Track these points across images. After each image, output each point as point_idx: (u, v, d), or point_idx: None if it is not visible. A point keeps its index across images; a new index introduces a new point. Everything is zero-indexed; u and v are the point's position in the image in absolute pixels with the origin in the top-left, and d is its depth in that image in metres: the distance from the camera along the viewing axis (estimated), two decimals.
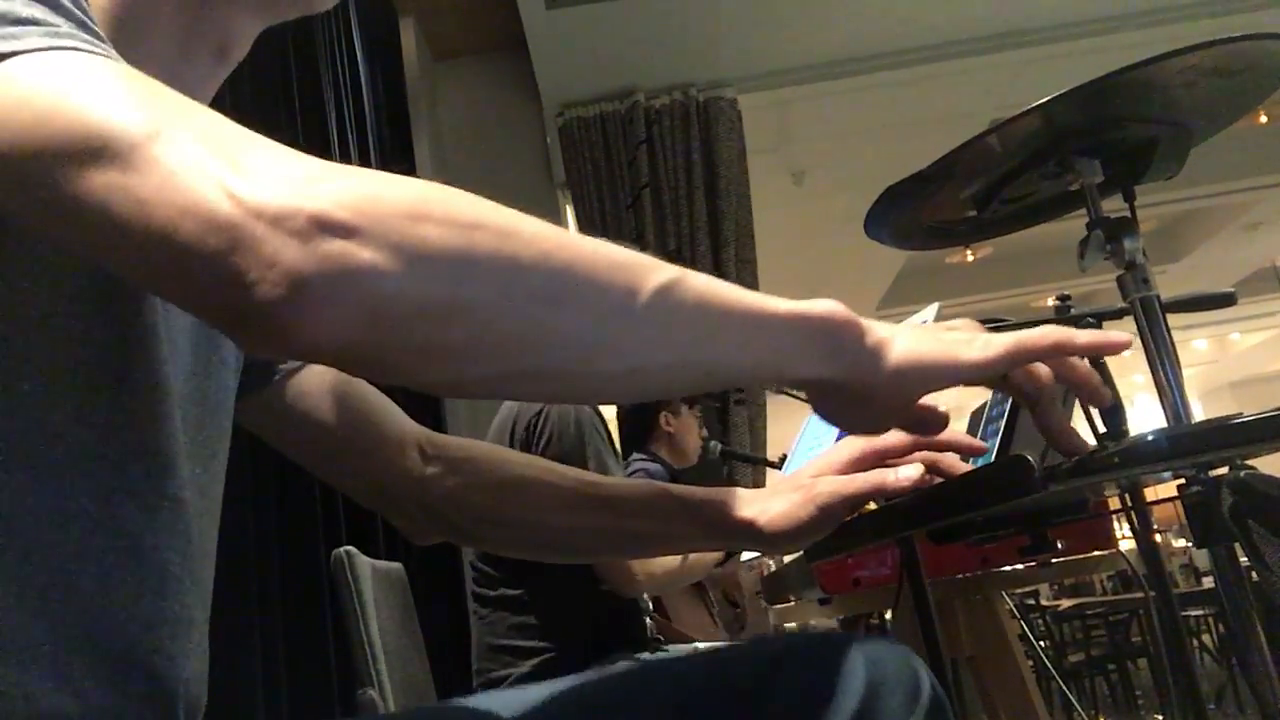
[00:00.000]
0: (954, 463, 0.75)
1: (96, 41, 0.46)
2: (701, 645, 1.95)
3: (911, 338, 0.57)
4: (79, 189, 0.41)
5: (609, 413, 2.23)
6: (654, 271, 0.48)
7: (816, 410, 0.59)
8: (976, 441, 0.75)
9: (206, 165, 0.40)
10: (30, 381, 0.51)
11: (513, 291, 0.43)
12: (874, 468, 0.76)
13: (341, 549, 1.39)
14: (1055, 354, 0.60)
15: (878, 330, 0.56)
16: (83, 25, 0.47)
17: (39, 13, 0.45)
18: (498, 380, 0.46)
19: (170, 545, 0.57)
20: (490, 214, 0.44)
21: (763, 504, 0.76)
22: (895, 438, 0.77)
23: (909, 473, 0.73)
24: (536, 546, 0.86)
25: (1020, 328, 0.61)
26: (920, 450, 0.76)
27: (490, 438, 1.91)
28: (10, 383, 0.51)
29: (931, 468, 0.75)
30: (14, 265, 0.51)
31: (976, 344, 0.58)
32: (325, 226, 0.39)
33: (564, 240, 0.45)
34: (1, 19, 0.44)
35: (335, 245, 0.39)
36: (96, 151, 0.40)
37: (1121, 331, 0.63)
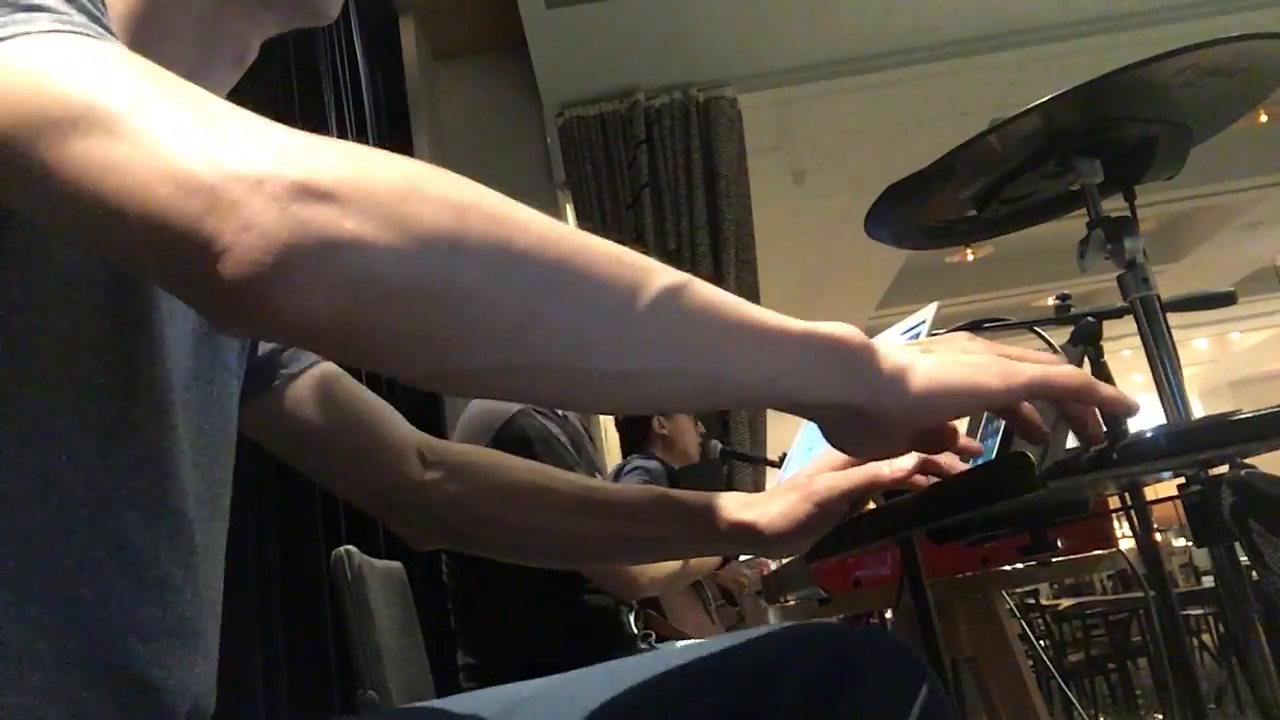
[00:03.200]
0: (952, 462, 0.75)
1: (105, 33, 0.46)
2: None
3: (932, 363, 0.55)
4: (58, 155, 0.39)
5: (607, 418, 2.22)
6: (660, 272, 0.46)
7: (826, 437, 0.57)
8: (974, 444, 0.75)
9: (189, 131, 0.39)
10: (33, 390, 0.51)
11: (507, 276, 0.40)
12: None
13: (341, 549, 1.39)
14: (1076, 398, 0.58)
15: (895, 355, 0.54)
16: (94, 19, 0.46)
17: (50, 1, 0.45)
18: (484, 373, 0.42)
19: (172, 556, 0.57)
20: (486, 197, 0.42)
21: (762, 507, 0.77)
22: None
23: (903, 463, 0.74)
24: (537, 552, 0.86)
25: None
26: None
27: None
28: (13, 391, 0.51)
29: (930, 468, 0.75)
30: (19, 274, 0.51)
31: (999, 370, 0.56)
32: (308, 192, 0.37)
33: (563, 231, 0.43)
34: (13, 5, 0.44)
35: (318, 211, 0.37)
36: (77, 119, 0.39)
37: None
